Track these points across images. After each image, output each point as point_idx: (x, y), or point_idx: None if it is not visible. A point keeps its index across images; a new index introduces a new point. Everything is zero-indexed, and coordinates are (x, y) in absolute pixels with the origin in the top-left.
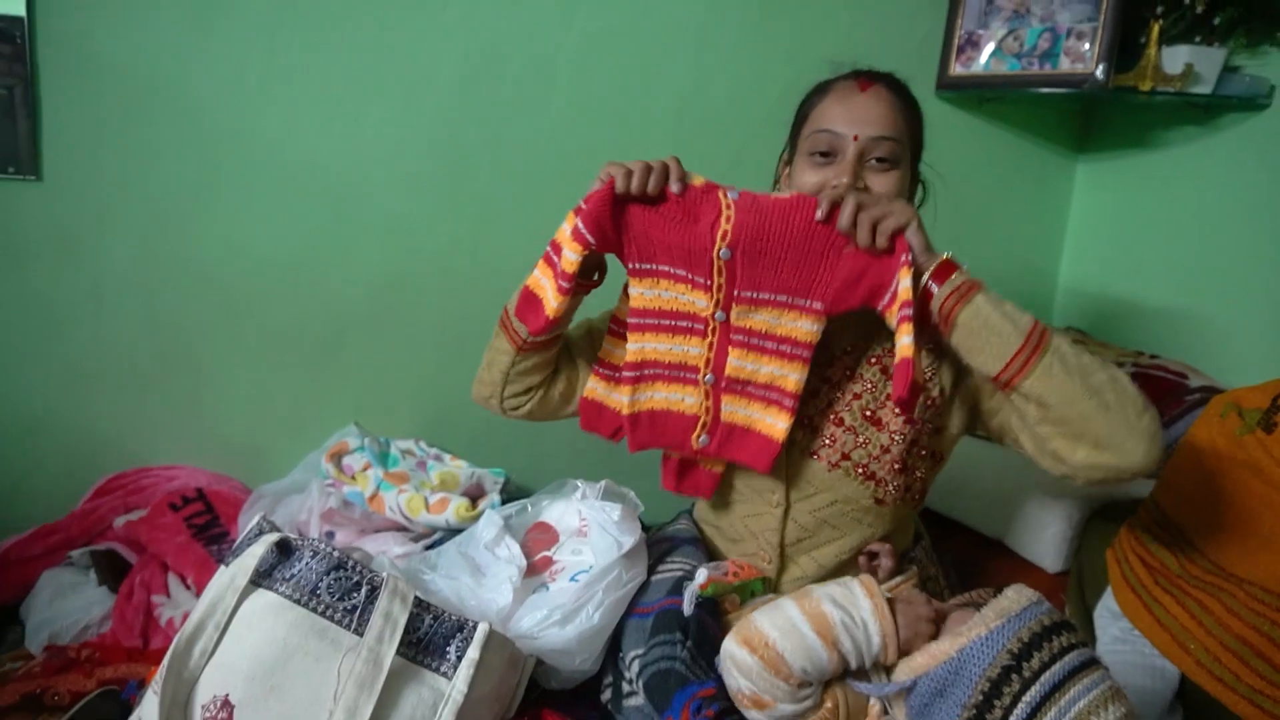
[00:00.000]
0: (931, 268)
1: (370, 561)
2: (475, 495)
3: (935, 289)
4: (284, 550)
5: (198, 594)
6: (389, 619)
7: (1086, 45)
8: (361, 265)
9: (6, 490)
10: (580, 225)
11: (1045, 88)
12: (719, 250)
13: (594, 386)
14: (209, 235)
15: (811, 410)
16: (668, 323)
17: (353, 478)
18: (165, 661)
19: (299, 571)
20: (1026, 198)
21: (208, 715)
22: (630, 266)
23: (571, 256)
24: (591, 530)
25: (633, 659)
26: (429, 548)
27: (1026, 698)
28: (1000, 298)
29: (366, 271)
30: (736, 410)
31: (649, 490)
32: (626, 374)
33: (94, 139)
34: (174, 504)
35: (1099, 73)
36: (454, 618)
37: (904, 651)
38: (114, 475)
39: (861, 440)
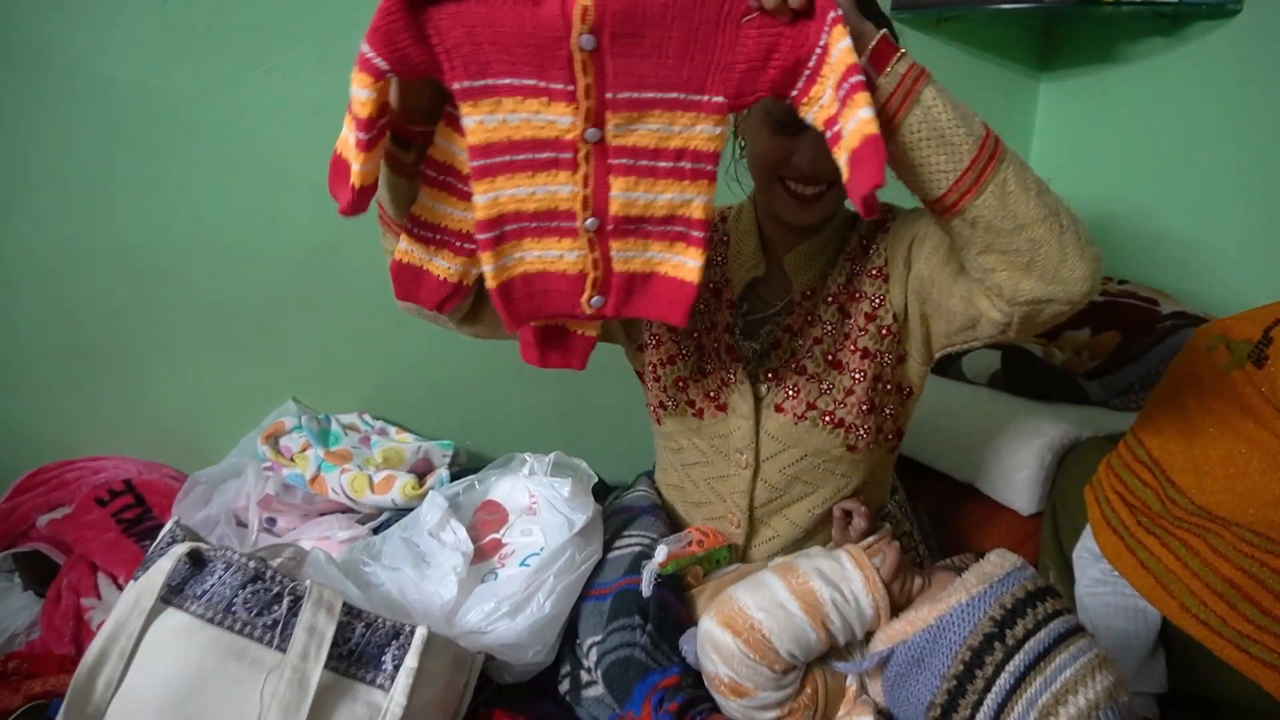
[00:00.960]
0: (868, 46)
1: (303, 559)
2: (423, 471)
3: (873, 78)
4: (196, 562)
5: None
6: (314, 633)
7: None
8: (290, 233)
9: None
10: (366, 49)
11: (1007, 3)
12: (578, 37)
13: (407, 248)
14: (123, 213)
15: (775, 362)
16: (523, 157)
17: (291, 459)
18: (66, 698)
19: (211, 586)
20: (988, 120)
21: None
22: (456, 88)
23: (361, 94)
24: (541, 508)
25: (590, 646)
26: (376, 530)
27: (1010, 666)
28: (944, 89)
29: (296, 239)
30: (633, 256)
31: (610, 454)
32: (482, 236)
33: None
34: (100, 498)
35: None
36: (389, 624)
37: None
38: (35, 470)
39: (825, 386)
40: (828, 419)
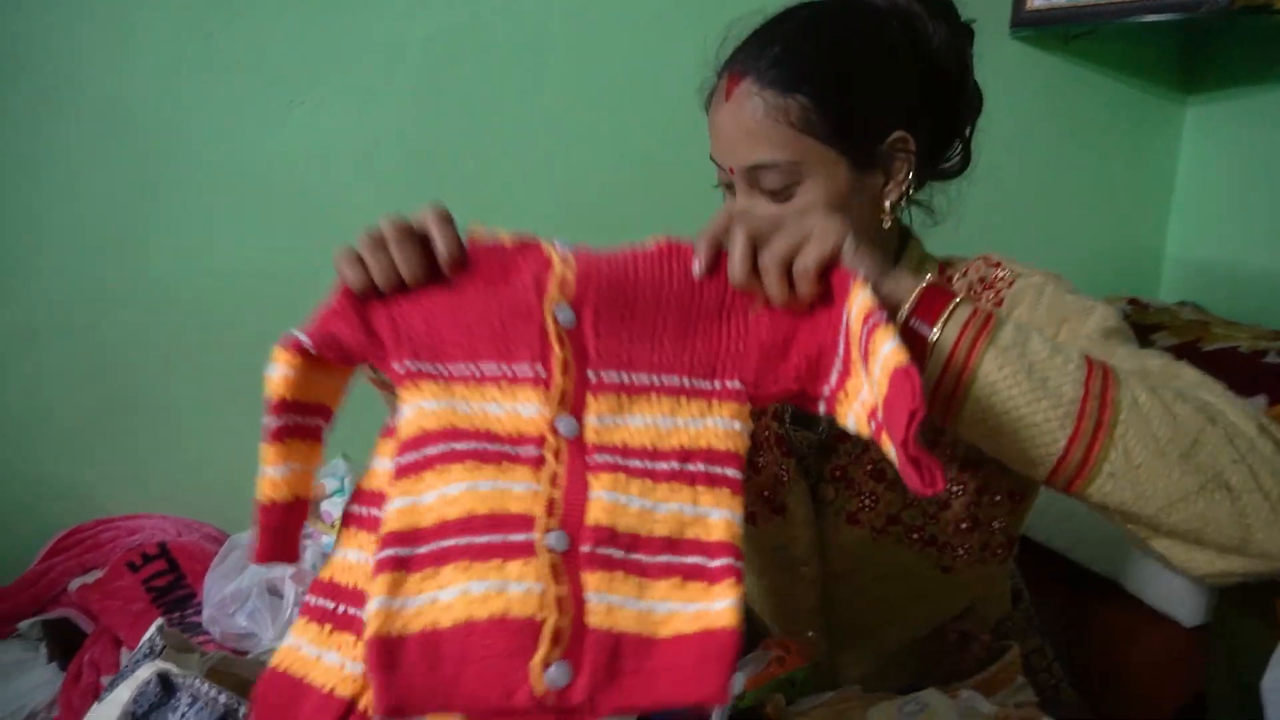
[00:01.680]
0: (910, 302)
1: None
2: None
3: (928, 332)
4: (167, 688)
5: None
6: None
7: None
8: (335, 275)
9: None
10: (299, 334)
11: (1151, 15)
12: (553, 309)
13: (293, 644)
14: (157, 256)
15: (842, 459)
16: (465, 446)
17: (331, 525)
18: None
19: None
20: (1124, 153)
21: None
22: (396, 369)
23: (277, 373)
24: None
25: None
26: None
27: None
28: (1030, 334)
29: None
30: (620, 603)
31: None
32: (381, 554)
33: (15, 153)
34: (133, 563)
35: None
36: None
37: None
38: (71, 530)
39: (911, 497)
40: (916, 537)
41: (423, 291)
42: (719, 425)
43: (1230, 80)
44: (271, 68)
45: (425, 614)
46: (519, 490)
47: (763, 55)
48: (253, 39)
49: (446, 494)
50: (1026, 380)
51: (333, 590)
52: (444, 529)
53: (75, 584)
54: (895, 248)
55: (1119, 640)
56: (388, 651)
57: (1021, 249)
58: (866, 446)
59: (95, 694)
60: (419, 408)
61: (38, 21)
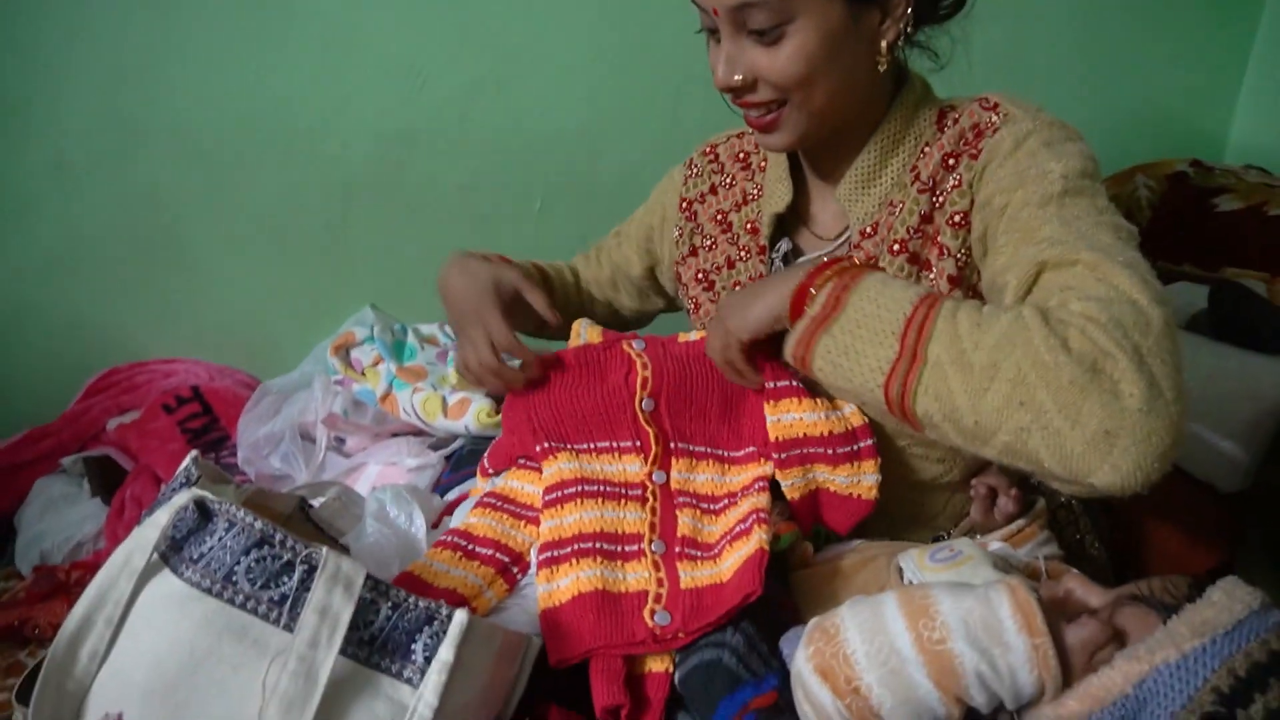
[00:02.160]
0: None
1: (350, 503)
2: (501, 394)
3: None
4: (204, 514)
5: None
6: (326, 615)
7: None
8: (365, 115)
9: None
10: (489, 468)
11: None
12: (640, 402)
13: (425, 561)
14: (180, 87)
15: None
16: (593, 488)
17: (362, 373)
18: (42, 670)
19: (210, 549)
20: (1197, 16)
21: None
22: (539, 449)
23: (474, 518)
24: None
25: None
26: (449, 458)
27: None
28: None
29: (372, 123)
30: (699, 573)
31: None
32: (541, 556)
33: None
34: (168, 405)
35: None
36: (421, 604)
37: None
38: (107, 371)
39: None
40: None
41: (548, 396)
42: (748, 477)
43: None
44: None
45: (571, 588)
46: (631, 518)
47: None
48: None
49: (582, 517)
50: (851, 343)
51: (466, 536)
52: (580, 538)
53: (113, 423)
54: (889, 86)
55: (1153, 502)
56: (552, 620)
57: (1085, 109)
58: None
59: None
60: (558, 467)
61: None
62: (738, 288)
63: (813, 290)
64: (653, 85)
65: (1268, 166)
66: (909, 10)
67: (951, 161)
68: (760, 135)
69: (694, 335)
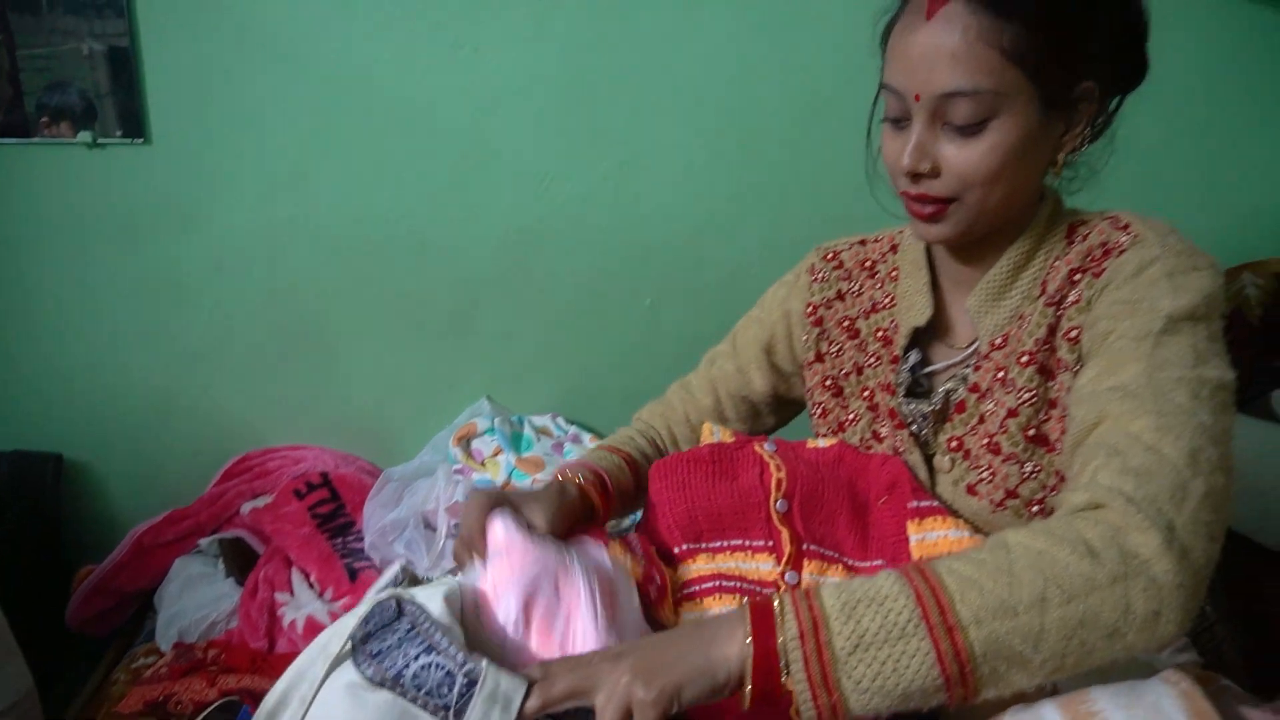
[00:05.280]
0: (749, 678)
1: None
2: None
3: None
4: (399, 612)
5: (321, 593)
6: None
7: None
8: (490, 220)
9: (140, 475)
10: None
11: None
12: (775, 502)
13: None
14: (326, 196)
15: (959, 429)
16: (732, 584)
17: (482, 463)
18: None
19: (389, 646)
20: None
21: None
22: (677, 551)
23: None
24: None
25: None
26: None
27: None
28: (856, 607)
29: (496, 227)
30: None
31: None
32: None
33: (199, 96)
34: (299, 490)
35: None
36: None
37: None
38: (241, 457)
39: (1030, 469)
40: (1036, 510)
41: (684, 493)
42: None
43: None
44: (437, 14)
45: None
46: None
47: None
48: None
49: (722, 611)
50: (882, 656)
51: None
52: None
53: (247, 507)
54: (1036, 201)
55: None
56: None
57: (1191, 208)
58: (982, 418)
59: (271, 609)
60: (696, 567)
61: None
62: (864, 395)
63: (781, 644)
64: (758, 190)
65: None
66: (1087, 128)
67: (1076, 277)
68: (921, 224)
69: (822, 442)
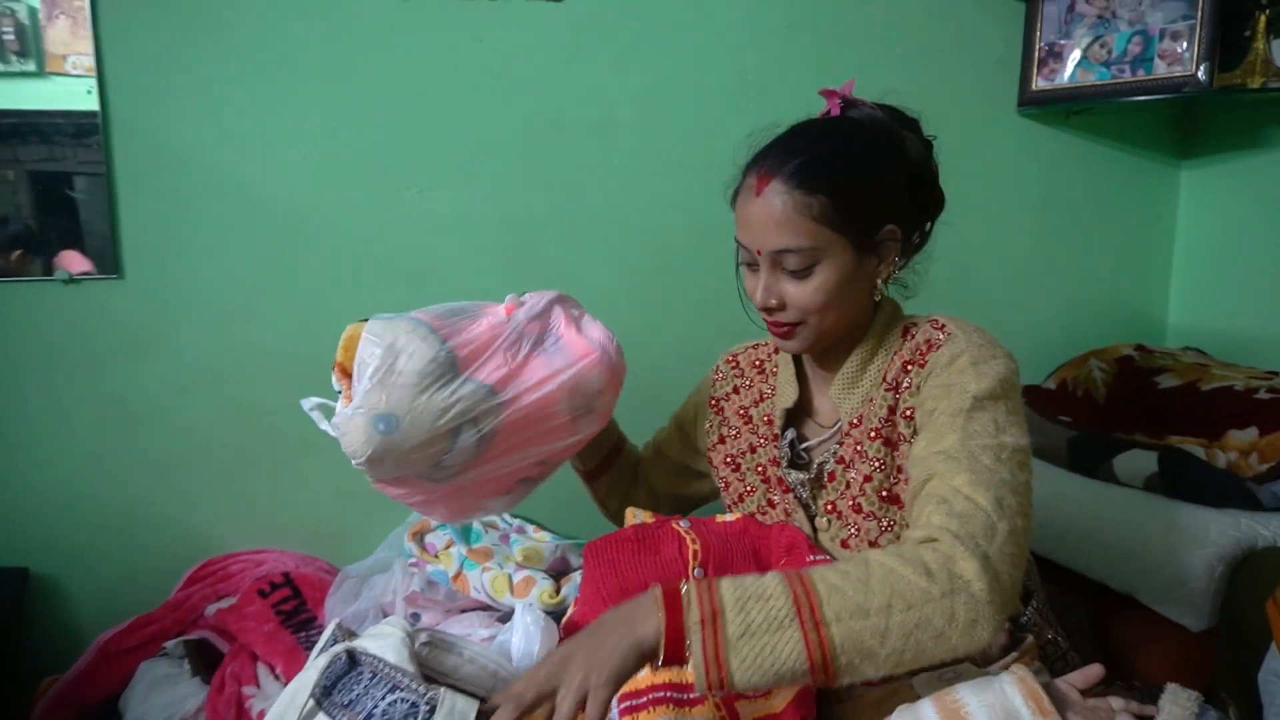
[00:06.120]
0: (661, 650)
1: (452, 647)
2: (560, 571)
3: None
4: (351, 661)
5: (286, 683)
6: None
7: (1183, 46)
8: None
9: (105, 584)
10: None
11: (1141, 95)
12: (693, 570)
13: None
14: (282, 322)
15: (833, 494)
16: (661, 694)
17: (436, 556)
18: None
19: (357, 695)
20: (1127, 214)
21: None
22: None
23: None
24: None
25: None
26: None
27: None
28: (746, 600)
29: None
30: (756, 708)
31: None
32: (620, 706)
33: (169, 234)
34: (262, 590)
35: (1201, 74)
36: None
37: None
38: (204, 563)
39: (886, 524)
40: None
41: (614, 570)
42: None
43: (1220, 148)
44: (387, 158)
45: None
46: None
47: (788, 161)
48: (372, 135)
49: (655, 671)
50: (763, 643)
51: None
52: (653, 689)
53: (212, 609)
54: (871, 312)
55: (1136, 642)
56: None
57: (1042, 304)
58: (848, 484)
59: (238, 701)
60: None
61: (184, 117)
62: (758, 469)
63: (686, 644)
64: (671, 307)
65: (1203, 346)
66: (896, 258)
67: (909, 367)
68: (780, 341)
69: (729, 516)
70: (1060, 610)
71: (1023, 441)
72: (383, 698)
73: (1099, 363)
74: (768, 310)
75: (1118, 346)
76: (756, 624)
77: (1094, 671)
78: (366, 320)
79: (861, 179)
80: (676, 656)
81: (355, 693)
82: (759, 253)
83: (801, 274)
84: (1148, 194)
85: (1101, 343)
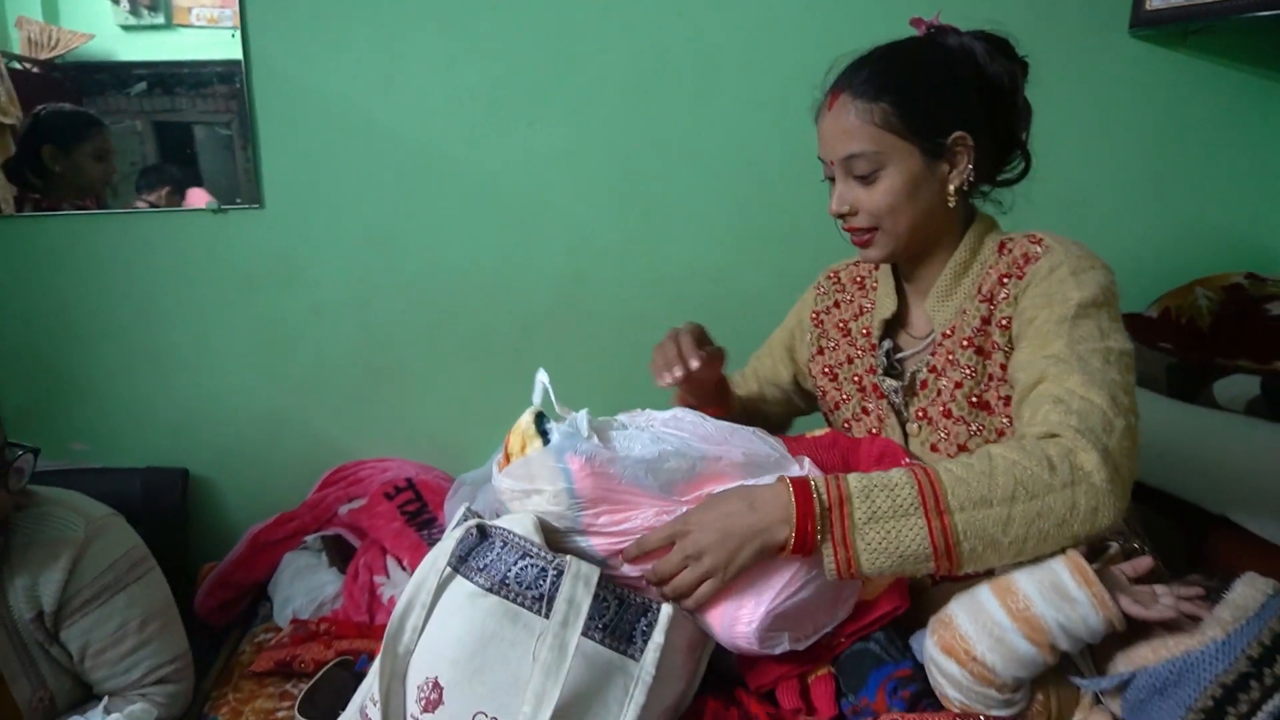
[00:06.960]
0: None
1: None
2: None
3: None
4: (483, 535)
5: (413, 574)
6: (572, 604)
7: None
8: (544, 268)
9: (253, 484)
10: None
11: (1268, 10)
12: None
13: None
14: (412, 253)
15: (924, 401)
16: None
17: None
18: (386, 634)
19: (491, 561)
20: (1245, 140)
21: (423, 695)
22: None
23: None
24: None
25: None
26: None
27: (1268, 707)
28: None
29: (549, 274)
30: None
31: None
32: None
33: (307, 170)
34: (388, 493)
35: None
36: (639, 600)
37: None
38: (336, 469)
39: (975, 428)
40: None
41: None
42: None
43: None
44: (502, 95)
45: None
46: None
47: (856, 75)
48: (486, 72)
49: None
50: (888, 528)
51: None
52: None
53: (344, 509)
54: (962, 223)
55: (1227, 561)
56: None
57: (1151, 230)
58: (939, 391)
59: (371, 589)
60: None
61: (316, 60)
62: (854, 379)
63: (815, 531)
64: (766, 232)
65: None
66: (969, 166)
67: (1005, 280)
68: (861, 250)
69: (818, 431)
70: (1150, 528)
71: (1127, 346)
72: (514, 563)
73: (1205, 291)
74: (842, 217)
75: (1227, 275)
76: (882, 510)
77: (1144, 563)
78: (539, 415)
79: (926, 85)
80: (804, 545)
81: (489, 559)
82: (832, 163)
83: (869, 179)
84: (1267, 119)
85: (1210, 271)
